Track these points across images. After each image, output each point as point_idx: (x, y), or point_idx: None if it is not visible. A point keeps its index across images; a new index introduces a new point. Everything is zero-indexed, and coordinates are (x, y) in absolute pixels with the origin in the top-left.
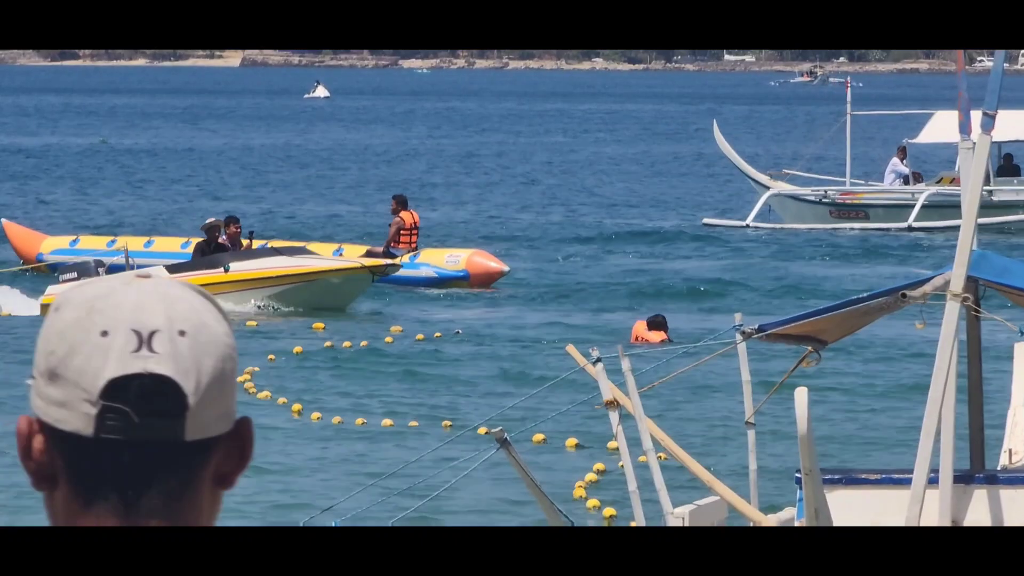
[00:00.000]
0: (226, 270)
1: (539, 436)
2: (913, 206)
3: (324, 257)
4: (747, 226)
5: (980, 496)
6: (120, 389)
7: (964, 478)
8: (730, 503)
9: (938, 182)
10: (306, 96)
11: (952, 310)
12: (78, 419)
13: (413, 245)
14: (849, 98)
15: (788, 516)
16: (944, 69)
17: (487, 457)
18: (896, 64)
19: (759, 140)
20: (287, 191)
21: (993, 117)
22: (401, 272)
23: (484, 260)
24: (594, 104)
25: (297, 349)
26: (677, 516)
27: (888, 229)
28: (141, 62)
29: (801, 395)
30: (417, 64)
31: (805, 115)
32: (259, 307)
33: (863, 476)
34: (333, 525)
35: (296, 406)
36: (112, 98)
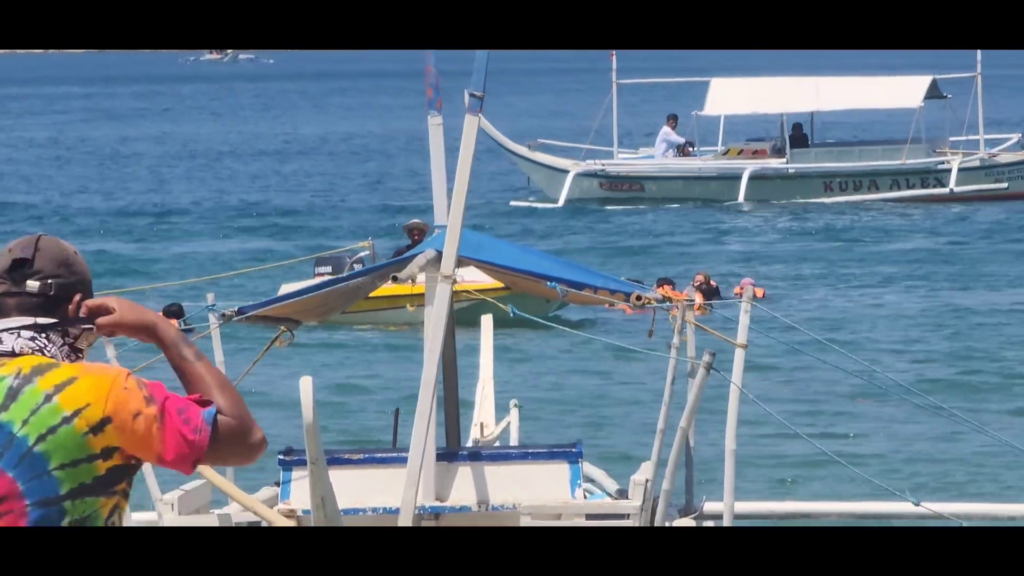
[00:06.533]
0: None
1: None
2: (689, 178)
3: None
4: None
5: (464, 473)
6: None
7: (447, 456)
8: (216, 484)
9: (725, 154)
10: None
11: (444, 292)
12: None
13: None
14: (615, 66)
15: (271, 495)
16: None
17: None
18: None
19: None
20: None
21: (481, 98)
22: None
23: None
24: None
25: None
26: (166, 502)
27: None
28: None
29: (306, 384)
30: None
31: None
32: None
33: (347, 456)
34: None
35: None
36: None
